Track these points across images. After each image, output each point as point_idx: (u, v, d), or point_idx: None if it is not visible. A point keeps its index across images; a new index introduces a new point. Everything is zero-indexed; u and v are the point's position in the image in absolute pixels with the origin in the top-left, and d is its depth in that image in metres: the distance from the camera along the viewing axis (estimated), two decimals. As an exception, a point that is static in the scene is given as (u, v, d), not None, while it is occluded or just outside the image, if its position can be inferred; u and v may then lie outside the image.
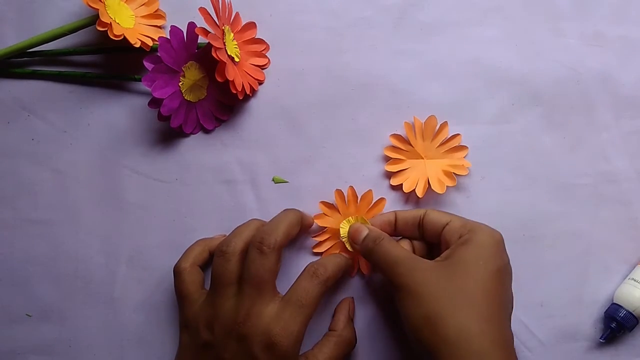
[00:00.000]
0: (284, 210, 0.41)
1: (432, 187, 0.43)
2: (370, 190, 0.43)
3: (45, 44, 0.44)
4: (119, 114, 0.45)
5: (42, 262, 0.44)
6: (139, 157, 0.45)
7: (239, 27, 0.44)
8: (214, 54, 0.40)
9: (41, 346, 0.44)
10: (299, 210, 0.41)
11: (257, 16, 0.45)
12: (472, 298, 0.35)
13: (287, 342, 0.36)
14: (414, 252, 0.41)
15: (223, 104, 0.45)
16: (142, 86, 0.44)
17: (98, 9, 0.40)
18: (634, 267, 0.43)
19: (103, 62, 0.45)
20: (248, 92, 0.44)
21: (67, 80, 0.45)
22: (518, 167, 0.45)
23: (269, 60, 0.45)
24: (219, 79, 0.41)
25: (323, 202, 0.43)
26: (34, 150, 0.45)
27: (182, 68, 0.42)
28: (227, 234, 0.41)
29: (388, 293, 0.43)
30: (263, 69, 0.45)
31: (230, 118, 0.45)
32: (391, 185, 0.44)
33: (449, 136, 0.44)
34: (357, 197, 0.43)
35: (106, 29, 0.41)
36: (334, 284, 0.40)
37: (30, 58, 0.45)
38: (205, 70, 0.43)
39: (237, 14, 0.44)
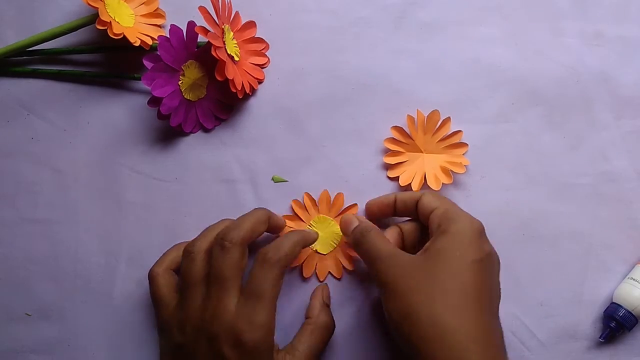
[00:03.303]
0: (253, 209, 0.41)
1: (428, 183, 0.43)
2: (340, 194, 0.44)
3: (45, 43, 0.44)
4: (118, 112, 0.45)
5: (42, 261, 0.44)
6: (138, 156, 0.45)
7: (239, 26, 0.44)
8: (213, 53, 0.40)
9: (41, 345, 0.44)
10: (267, 210, 0.41)
11: (257, 15, 0.45)
12: (448, 291, 0.34)
13: (254, 335, 0.35)
14: (402, 241, 0.40)
15: (223, 103, 0.45)
16: (142, 85, 0.44)
17: (98, 8, 0.40)
18: (634, 267, 0.43)
19: (103, 61, 0.45)
20: (248, 91, 0.43)
21: (66, 79, 0.45)
22: (518, 166, 0.45)
23: (268, 59, 0.45)
24: (218, 78, 0.41)
25: (285, 216, 0.43)
26: (34, 149, 0.45)
27: (182, 67, 0.42)
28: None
29: (378, 293, 0.43)
30: (263, 68, 0.45)
31: (230, 117, 0.45)
32: (389, 177, 0.44)
33: (450, 132, 0.44)
34: (315, 201, 0.44)
35: (106, 27, 0.41)
36: (292, 261, 0.38)
37: (30, 57, 0.45)
38: (204, 69, 0.43)
39: (236, 13, 0.44)
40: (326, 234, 0.44)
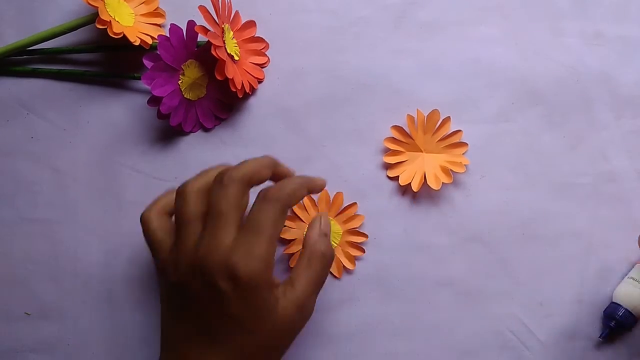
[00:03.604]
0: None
1: (428, 182, 0.43)
2: (340, 193, 0.43)
3: (45, 42, 0.44)
4: (118, 112, 0.45)
5: (42, 260, 0.44)
6: (138, 155, 0.45)
7: (239, 26, 0.44)
8: (213, 52, 0.40)
9: (40, 344, 0.44)
10: (274, 158, 0.38)
11: (257, 15, 0.45)
12: None
13: (250, 267, 0.33)
14: None
15: (223, 102, 0.45)
16: (142, 84, 0.44)
17: (98, 7, 0.40)
18: (634, 266, 0.43)
19: (102, 60, 0.45)
20: (248, 91, 0.43)
21: (66, 79, 0.45)
22: (518, 166, 0.45)
23: (268, 58, 0.45)
24: (218, 77, 0.41)
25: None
26: (33, 148, 0.45)
27: (182, 66, 0.42)
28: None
29: (379, 292, 0.43)
30: (263, 67, 0.45)
31: (230, 116, 0.45)
32: (389, 177, 0.44)
33: (450, 132, 0.44)
34: (314, 201, 0.44)
35: (106, 27, 0.41)
36: (296, 202, 0.36)
37: (30, 56, 0.45)
38: (204, 69, 0.43)
39: (236, 13, 0.44)
40: None
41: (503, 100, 0.45)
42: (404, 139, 0.44)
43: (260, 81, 0.45)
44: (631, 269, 0.43)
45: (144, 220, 0.38)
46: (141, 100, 0.45)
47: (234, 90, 0.42)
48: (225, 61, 0.40)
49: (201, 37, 0.41)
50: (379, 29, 0.46)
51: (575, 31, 0.46)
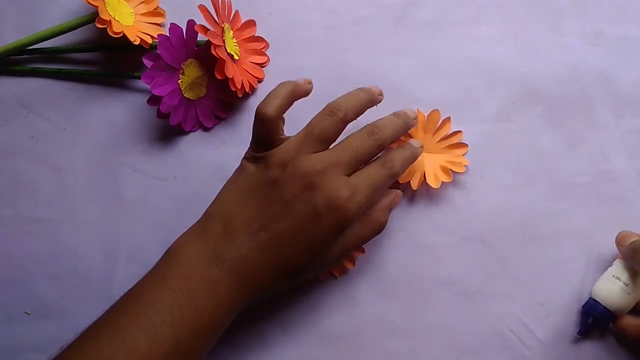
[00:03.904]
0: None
1: (427, 181, 0.43)
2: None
3: (45, 42, 0.44)
4: (118, 111, 0.45)
5: (42, 260, 0.44)
6: (138, 154, 0.45)
7: (239, 25, 0.44)
8: (213, 52, 0.40)
9: (40, 344, 0.44)
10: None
11: (257, 14, 0.45)
12: None
13: (350, 210, 0.37)
14: None
15: (222, 101, 0.45)
16: (142, 84, 0.44)
17: (97, 7, 0.40)
18: (613, 262, 0.43)
19: (102, 59, 0.45)
20: (247, 90, 0.44)
21: (66, 78, 0.45)
22: (517, 165, 0.45)
23: (268, 58, 0.45)
24: (218, 77, 0.41)
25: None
26: (33, 147, 0.45)
27: (182, 66, 0.42)
28: (309, 81, 0.41)
29: (379, 292, 0.43)
30: (262, 67, 0.45)
31: (230, 116, 0.45)
32: None
33: (450, 132, 0.44)
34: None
35: (105, 26, 0.41)
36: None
37: (30, 55, 0.45)
38: (204, 68, 0.43)
39: (236, 12, 0.44)
40: None
41: (503, 100, 0.45)
42: (404, 138, 0.44)
43: (260, 80, 0.45)
44: (610, 266, 0.43)
45: (265, 120, 0.38)
46: (141, 99, 0.45)
47: (234, 89, 0.42)
48: (225, 60, 0.40)
49: (201, 37, 0.41)
50: (379, 28, 0.46)
51: (575, 31, 0.46)
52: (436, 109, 0.44)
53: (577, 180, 0.45)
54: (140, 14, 0.44)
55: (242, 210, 0.38)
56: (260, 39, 0.45)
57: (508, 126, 0.45)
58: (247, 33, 0.45)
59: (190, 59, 0.42)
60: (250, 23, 0.45)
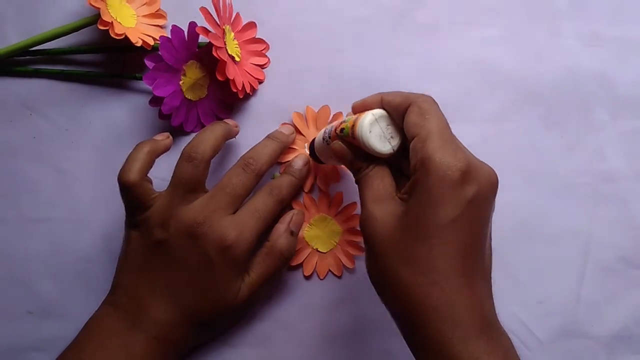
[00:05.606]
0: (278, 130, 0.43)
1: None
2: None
3: (47, 43, 0.44)
4: (120, 112, 0.45)
5: (44, 260, 0.44)
6: (140, 155, 0.45)
7: (240, 27, 0.45)
8: (214, 53, 0.40)
9: (43, 343, 0.44)
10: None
11: (257, 16, 0.45)
12: (423, 256, 0.30)
13: (241, 247, 0.37)
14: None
15: (223, 102, 0.45)
16: (143, 85, 0.44)
17: (100, 8, 0.41)
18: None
19: (104, 61, 0.46)
20: (248, 91, 0.44)
21: (69, 79, 0.45)
22: (517, 166, 0.45)
23: (269, 59, 0.46)
24: (219, 78, 0.42)
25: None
26: (36, 148, 0.45)
27: (183, 67, 0.42)
28: (167, 135, 0.42)
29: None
30: (263, 68, 0.46)
31: (231, 117, 0.45)
32: None
33: None
34: (315, 201, 0.44)
35: (108, 28, 0.41)
36: (289, 201, 0.42)
37: (33, 57, 0.45)
38: (205, 69, 0.43)
39: (237, 14, 0.45)
40: (326, 232, 0.44)
41: (502, 100, 0.45)
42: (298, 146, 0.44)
43: (260, 82, 0.45)
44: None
45: (128, 187, 0.39)
46: (143, 100, 0.45)
47: (235, 90, 0.42)
48: (226, 62, 0.41)
49: (202, 38, 0.41)
50: (379, 29, 0.46)
51: (573, 32, 0.46)
52: (326, 105, 0.44)
53: (575, 180, 0.45)
54: (142, 16, 0.45)
55: (141, 277, 0.39)
56: (260, 41, 0.45)
57: (507, 127, 0.45)
58: (248, 35, 0.45)
59: (191, 61, 0.43)
60: (251, 25, 0.45)
